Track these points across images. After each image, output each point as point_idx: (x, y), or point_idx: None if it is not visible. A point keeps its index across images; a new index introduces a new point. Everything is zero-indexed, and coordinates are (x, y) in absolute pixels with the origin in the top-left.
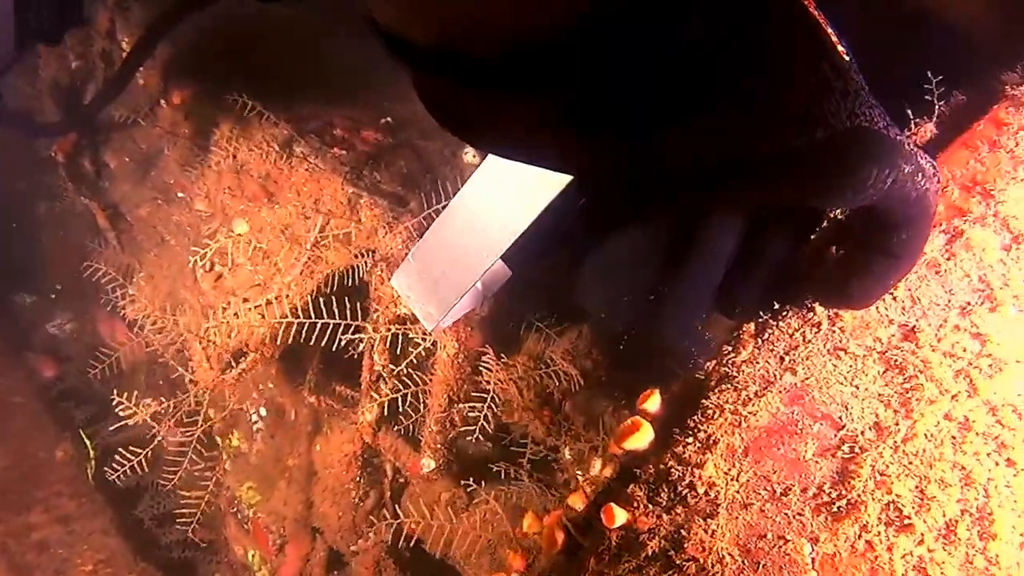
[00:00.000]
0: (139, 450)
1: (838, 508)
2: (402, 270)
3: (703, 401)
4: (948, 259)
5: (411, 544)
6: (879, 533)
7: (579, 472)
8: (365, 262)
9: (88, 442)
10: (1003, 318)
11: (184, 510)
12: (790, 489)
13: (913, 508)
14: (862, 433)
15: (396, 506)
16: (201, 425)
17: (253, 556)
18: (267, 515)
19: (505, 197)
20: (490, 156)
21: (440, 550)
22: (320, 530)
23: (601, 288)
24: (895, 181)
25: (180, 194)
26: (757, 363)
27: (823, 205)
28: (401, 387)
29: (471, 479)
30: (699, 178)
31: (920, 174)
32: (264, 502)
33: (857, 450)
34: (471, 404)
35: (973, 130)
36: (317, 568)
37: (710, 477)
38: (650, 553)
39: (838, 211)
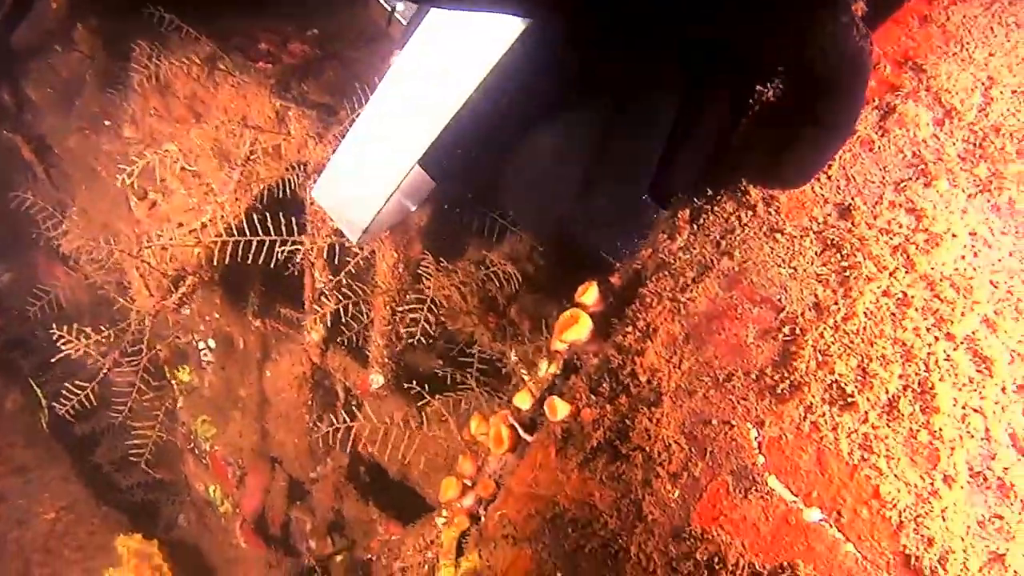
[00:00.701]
0: (86, 384)
1: (782, 390)
2: (321, 183)
3: (641, 290)
4: (882, 136)
5: (369, 468)
6: (823, 413)
7: (525, 373)
8: (297, 175)
9: (39, 391)
10: (937, 192)
11: (138, 441)
12: (733, 374)
13: (856, 386)
14: (802, 314)
15: (350, 429)
16: (146, 353)
17: (214, 491)
18: (224, 448)
19: (416, 105)
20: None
21: (398, 472)
22: (279, 459)
23: (529, 193)
24: (833, 32)
25: (107, 122)
26: (693, 249)
27: (770, 44)
28: (343, 299)
29: (421, 392)
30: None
31: (856, 30)
32: (220, 435)
33: (798, 331)
34: (412, 307)
35: (904, 5)
36: (279, 499)
37: (651, 365)
38: (596, 444)
39: (770, 92)
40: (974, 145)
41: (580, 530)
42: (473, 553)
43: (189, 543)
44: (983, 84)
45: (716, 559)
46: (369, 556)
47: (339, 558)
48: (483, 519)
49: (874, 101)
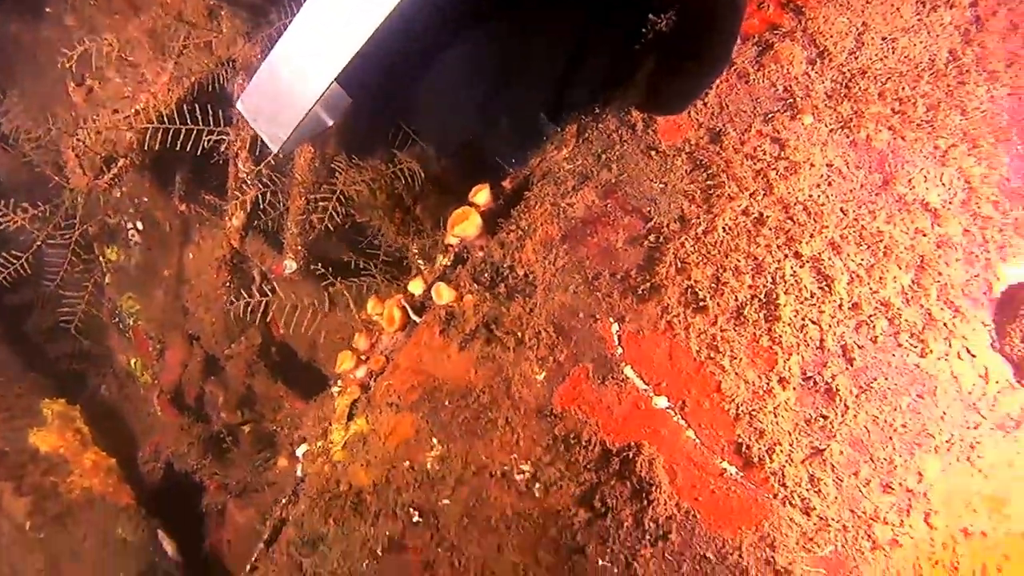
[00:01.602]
0: (20, 254)
1: (643, 291)
2: (245, 96)
3: (526, 194)
4: (757, 70)
5: (279, 348)
6: (678, 314)
7: (422, 264)
8: (227, 71)
9: None
10: (802, 125)
11: (67, 310)
12: (601, 274)
13: (708, 293)
14: (667, 225)
15: (263, 303)
16: (79, 228)
17: (135, 364)
18: (147, 323)
19: (336, 24)
20: None
21: (306, 353)
22: (197, 336)
23: (437, 107)
24: None
25: (48, 9)
26: (576, 160)
27: None
28: (263, 188)
29: (328, 276)
30: None
31: None
32: (143, 311)
33: (662, 240)
34: (324, 197)
35: None
36: (195, 373)
37: (528, 260)
38: (474, 327)
39: (663, 23)
40: (841, 85)
41: (456, 402)
42: (361, 418)
43: (109, 409)
44: (857, 29)
45: (572, 436)
46: (274, 427)
47: (246, 428)
48: (372, 389)
49: (754, 37)
